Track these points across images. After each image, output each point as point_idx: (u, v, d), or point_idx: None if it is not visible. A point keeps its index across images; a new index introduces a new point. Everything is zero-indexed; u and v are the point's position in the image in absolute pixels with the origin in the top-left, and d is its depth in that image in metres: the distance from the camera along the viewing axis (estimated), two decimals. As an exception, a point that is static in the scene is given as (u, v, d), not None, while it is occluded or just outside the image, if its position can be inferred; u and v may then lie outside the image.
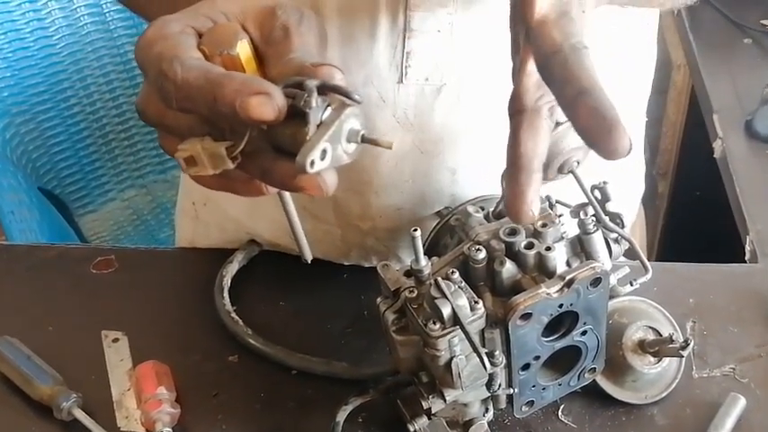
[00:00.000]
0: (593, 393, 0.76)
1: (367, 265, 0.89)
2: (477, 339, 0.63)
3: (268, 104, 0.49)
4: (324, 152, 0.51)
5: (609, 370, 0.75)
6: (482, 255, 0.65)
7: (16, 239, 1.22)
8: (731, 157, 1.04)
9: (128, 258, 0.94)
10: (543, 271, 0.65)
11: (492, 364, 0.63)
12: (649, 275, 0.71)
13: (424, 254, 0.70)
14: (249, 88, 0.49)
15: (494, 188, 0.72)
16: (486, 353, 0.62)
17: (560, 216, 0.70)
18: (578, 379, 0.72)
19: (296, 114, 0.51)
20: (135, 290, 0.90)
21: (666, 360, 0.75)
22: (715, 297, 0.86)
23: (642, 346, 0.75)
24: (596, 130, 0.50)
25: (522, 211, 0.55)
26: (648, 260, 0.77)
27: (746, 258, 0.92)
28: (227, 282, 0.87)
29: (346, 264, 0.89)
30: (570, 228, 0.70)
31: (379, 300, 0.68)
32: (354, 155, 0.53)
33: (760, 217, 0.96)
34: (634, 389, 0.76)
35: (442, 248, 0.73)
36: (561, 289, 0.63)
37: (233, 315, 0.84)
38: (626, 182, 0.98)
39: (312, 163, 0.50)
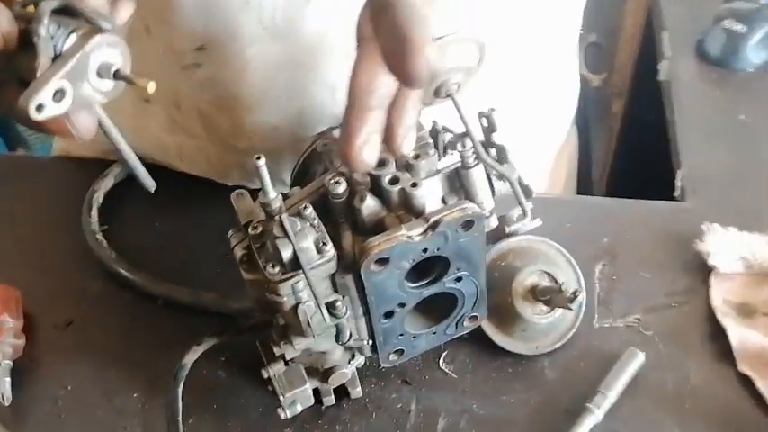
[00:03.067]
0: (481, 341, 0.70)
1: (253, 188, 0.81)
2: (322, 286, 0.55)
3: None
4: (60, 92, 0.42)
5: (496, 317, 0.68)
6: (342, 188, 0.57)
7: None
8: (677, 80, 0.94)
9: (-2, 166, 0.85)
10: (410, 209, 0.57)
11: (333, 315, 0.55)
12: (527, 221, 0.63)
13: (294, 183, 0.62)
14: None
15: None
16: (326, 303, 0.55)
17: (446, 147, 0.62)
18: (456, 327, 0.65)
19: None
20: (0, 201, 0.82)
21: (561, 309, 0.68)
22: (632, 237, 0.78)
23: (534, 293, 0.68)
24: (393, 51, 0.45)
25: (350, 156, 0.48)
26: (580, 193, 0.68)
27: (675, 195, 0.84)
28: (97, 198, 0.79)
29: (230, 185, 0.81)
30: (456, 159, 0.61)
31: (230, 232, 0.60)
32: (115, 93, 0.45)
33: (696, 150, 0.86)
34: (524, 339, 0.69)
35: (312, 177, 0.65)
36: (425, 232, 0.55)
37: (98, 236, 0.76)
38: (553, 98, 0.89)
39: (40, 107, 0.41)
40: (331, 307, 0.56)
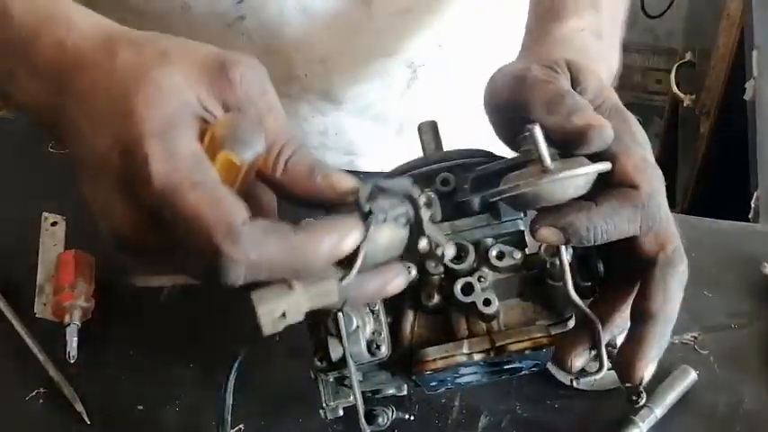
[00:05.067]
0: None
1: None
2: (361, 389, 0.54)
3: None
4: None
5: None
6: (412, 274, 0.51)
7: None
8: (762, 100, 0.92)
9: (87, 141, 0.90)
10: (478, 315, 0.53)
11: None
12: (603, 372, 0.53)
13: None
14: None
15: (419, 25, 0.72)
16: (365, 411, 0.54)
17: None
18: (511, 375, 0.61)
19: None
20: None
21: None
22: (697, 254, 0.74)
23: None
24: (627, 355, 0.50)
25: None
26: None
27: (750, 216, 0.82)
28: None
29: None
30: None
31: None
32: None
33: (775, 172, 0.84)
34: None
35: None
36: (487, 352, 0.52)
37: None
38: None
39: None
40: (370, 414, 0.56)
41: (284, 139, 0.45)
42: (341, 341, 0.51)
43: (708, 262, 0.76)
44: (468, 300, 0.52)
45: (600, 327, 0.51)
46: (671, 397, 0.65)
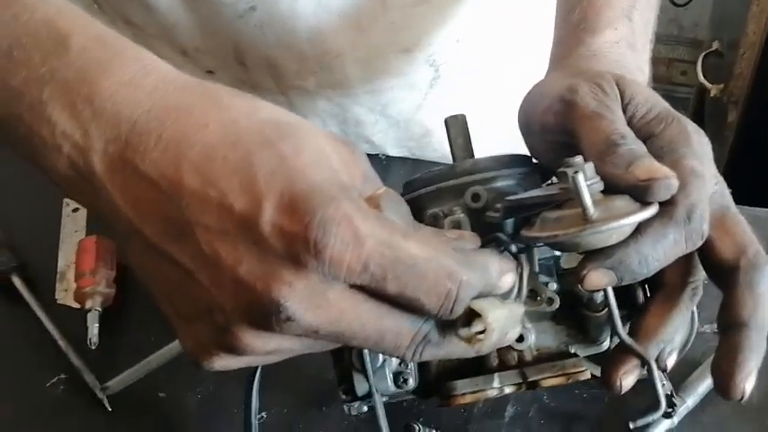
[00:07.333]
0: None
1: None
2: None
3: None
4: None
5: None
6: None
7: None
8: (795, 86, 0.90)
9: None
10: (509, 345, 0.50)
11: None
12: (662, 411, 0.50)
13: None
14: None
15: (435, 19, 0.71)
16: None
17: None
18: None
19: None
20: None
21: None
22: (729, 243, 0.74)
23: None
24: (723, 368, 0.47)
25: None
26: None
27: (784, 204, 0.80)
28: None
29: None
30: None
31: None
32: None
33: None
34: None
35: (423, 220, 0.51)
36: (519, 386, 0.51)
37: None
38: None
39: None
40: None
41: None
42: (366, 378, 0.50)
43: (740, 250, 0.74)
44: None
45: (655, 365, 0.48)
46: (703, 386, 0.64)
